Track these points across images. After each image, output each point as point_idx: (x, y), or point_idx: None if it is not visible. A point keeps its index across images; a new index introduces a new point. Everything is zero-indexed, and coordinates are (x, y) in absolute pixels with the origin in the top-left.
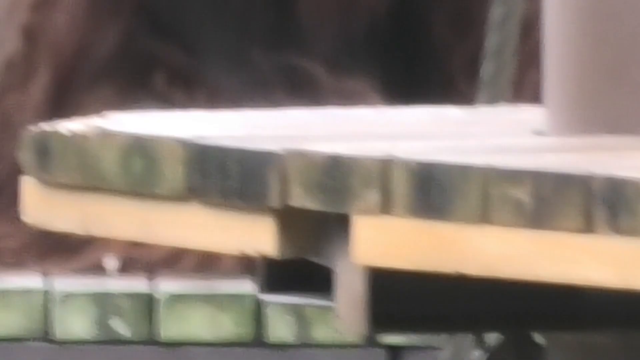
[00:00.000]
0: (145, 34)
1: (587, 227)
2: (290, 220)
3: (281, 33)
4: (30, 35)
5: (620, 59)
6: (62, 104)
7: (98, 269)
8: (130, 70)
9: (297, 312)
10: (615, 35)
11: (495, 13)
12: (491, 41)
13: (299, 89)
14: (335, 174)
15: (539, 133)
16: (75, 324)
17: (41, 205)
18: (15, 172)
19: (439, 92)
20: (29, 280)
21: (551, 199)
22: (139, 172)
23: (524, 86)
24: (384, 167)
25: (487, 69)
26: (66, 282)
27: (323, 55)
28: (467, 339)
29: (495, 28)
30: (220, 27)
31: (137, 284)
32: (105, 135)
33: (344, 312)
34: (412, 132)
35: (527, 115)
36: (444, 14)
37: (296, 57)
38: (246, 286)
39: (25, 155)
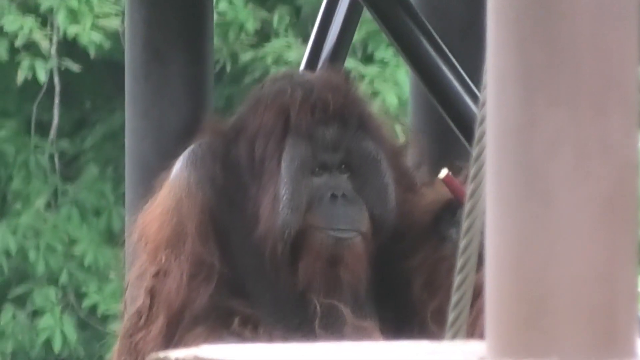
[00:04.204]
0: (226, 293)
1: None
2: None
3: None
4: (152, 293)
5: (536, 306)
6: (172, 339)
7: None
8: (216, 317)
9: None
10: (531, 291)
11: (456, 280)
12: (454, 299)
13: (332, 325)
14: None
15: (483, 359)
16: None
17: None
18: None
19: (417, 331)
20: None
21: None
22: None
23: (478, 328)
24: None
25: (450, 318)
26: None
27: (348, 302)
28: None
29: (456, 290)
30: (274, 292)
31: None
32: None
33: None
34: (400, 358)
35: (476, 347)
36: (421, 280)
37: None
38: None
39: None
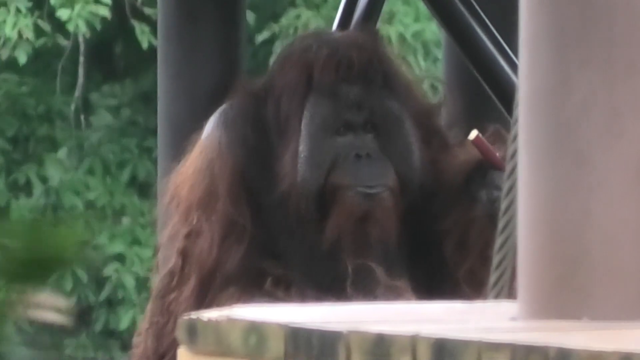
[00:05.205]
0: (258, 254)
1: None
2: None
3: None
4: (184, 254)
5: (569, 267)
6: (204, 300)
7: None
8: (249, 278)
9: None
10: (563, 252)
11: (498, 241)
12: (495, 260)
13: (364, 285)
14: (381, 345)
15: (514, 319)
16: None
17: None
18: (175, 345)
19: (449, 292)
20: None
21: None
22: (253, 344)
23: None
24: (413, 341)
25: (492, 279)
26: None
27: (379, 262)
28: None
29: (498, 251)
30: (304, 252)
31: None
32: (232, 320)
33: None
34: (432, 318)
35: (508, 307)
36: (453, 241)
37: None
38: None
39: (180, 333)
